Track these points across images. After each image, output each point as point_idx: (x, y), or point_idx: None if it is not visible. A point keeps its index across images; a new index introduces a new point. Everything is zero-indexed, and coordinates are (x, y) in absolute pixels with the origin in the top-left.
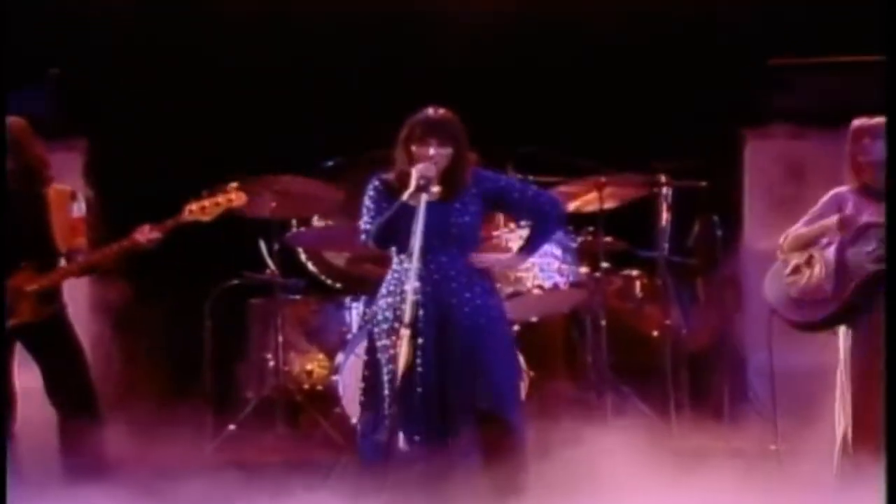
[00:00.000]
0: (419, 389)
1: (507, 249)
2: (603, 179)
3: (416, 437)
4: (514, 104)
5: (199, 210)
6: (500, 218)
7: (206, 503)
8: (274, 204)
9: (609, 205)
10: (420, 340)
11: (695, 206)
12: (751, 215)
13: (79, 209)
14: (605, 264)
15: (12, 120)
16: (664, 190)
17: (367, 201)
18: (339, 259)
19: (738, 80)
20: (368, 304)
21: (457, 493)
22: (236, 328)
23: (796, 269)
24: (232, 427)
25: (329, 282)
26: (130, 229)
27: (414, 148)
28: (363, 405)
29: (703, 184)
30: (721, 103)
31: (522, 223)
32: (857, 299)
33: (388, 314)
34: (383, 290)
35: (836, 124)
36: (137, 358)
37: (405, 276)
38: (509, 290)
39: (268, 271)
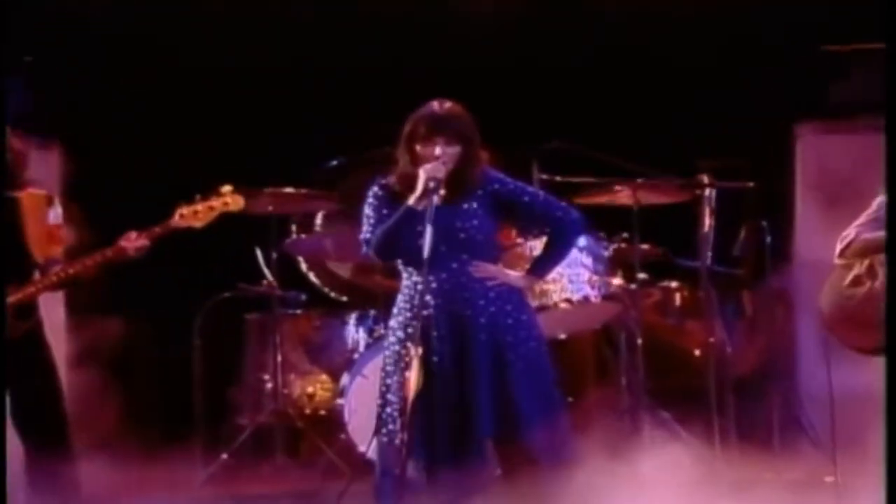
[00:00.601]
0: (434, 415)
1: (532, 259)
2: (639, 180)
3: (431, 469)
4: (540, 99)
5: (192, 215)
6: None
7: None
8: (271, 208)
9: (646, 208)
10: (435, 359)
11: (741, 209)
12: (804, 220)
13: (56, 216)
14: (641, 275)
15: None
16: (707, 192)
17: (367, 208)
18: (344, 269)
19: (790, 70)
20: (377, 320)
21: None
22: (230, 347)
23: (856, 281)
24: (225, 456)
25: (333, 295)
26: (113, 237)
27: (418, 147)
28: (379, 436)
29: (751, 185)
30: (770, 95)
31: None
32: None
33: (400, 334)
34: (395, 310)
35: None
36: (119, 381)
37: (415, 290)
38: (534, 303)
39: (265, 283)
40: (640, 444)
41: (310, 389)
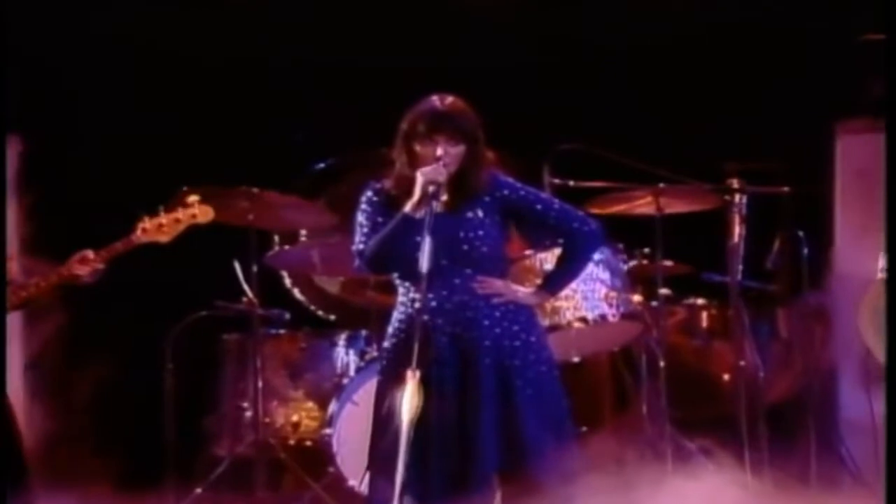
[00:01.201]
0: (433, 446)
1: (543, 273)
2: (661, 185)
3: None
4: (551, 97)
5: (156, 229)
6: None
7: None
8: (252, 216)
9: (669, 216)
10: (433, 385)
11: (775, 217)
12: (844, 228)
13: None
14: (664, 291)
15: None
16: (737, 198)
17: (359, 216)
18: (333, 285)
19: (829, 62)
20: (369, 341)
21: None
22: (205, 371)
23: None
24: (199, 491)
25: (320, 313)
26: (72, 251)
27: (417, 147)
28: (373, 470)
29: (785, 190)
30: (807, 90)
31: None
32: None
33: (395, 358)
34: (389, 329)
35: None
36: (82, 411)
37: (413, 308)
38: (545, 323)
39: (244, 300)
40: (663, 479)
41: (294, 418)
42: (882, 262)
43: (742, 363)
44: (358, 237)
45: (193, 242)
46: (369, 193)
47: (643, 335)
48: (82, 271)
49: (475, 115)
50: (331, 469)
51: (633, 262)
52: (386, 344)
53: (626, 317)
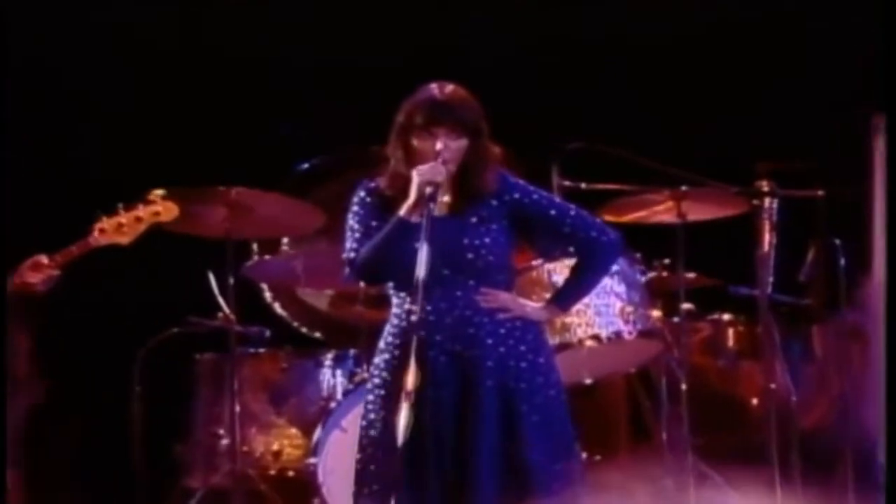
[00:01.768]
0: (427, 476)
1: (551, 286)
2: (684, 188)
3: None
4: (561, 91)
5: (115, 229)
6: None
7: None
8: (228, 222)
9: (692, 223)
10: (429, 409)
11: (809, 224)
12: (885, 237)
13: None
14: (686, 305)
15: None
16: (767, 202)
17: (351, 219)
18: (318, 299)
19: (865, 49)
20: (358, 361)
21: None
22: (176, 395)
23: None
24: None
25: (305, 330)
26: (24, 251)
27: (415, 141)
28: (359, 498)
29: (820, 193)
30: (842, 81)
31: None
32: None
33: (387, 375)
34: (381, 344)
35: None
36: (43, 438)
37: (408, 321)
38: (553, 341)
39: (220, 315)
40: None
41: (275, 446)
42: None
43: (772, 386)
44: (349, 243)
45: (162, 251)
46: (362, 194)
47: (663, 355)
48: (35, 279)
49: (479, 105)
50: (316, 501)
51: (651, 274)
52: (377, 360)
53: (643, 334)
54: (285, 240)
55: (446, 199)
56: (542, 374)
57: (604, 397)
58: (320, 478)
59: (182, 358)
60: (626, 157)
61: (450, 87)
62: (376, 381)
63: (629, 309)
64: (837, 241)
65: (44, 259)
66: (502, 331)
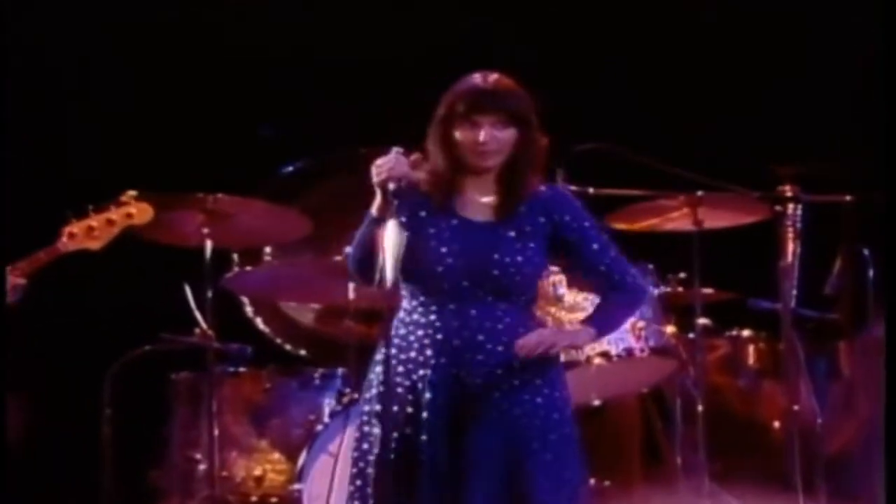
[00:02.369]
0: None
1: (556, 299)
2: (700, 194)
3: None
4: (568, 89)
5: (85, 233)
6: None
7: None
8: (206, 230)
9: (709, 231)
10: (423, 438)
11: (835, 232)
12: None
13: None
14: (702, 320)
15: None
16: (790, 208)
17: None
18: (304, 313)
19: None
20: (347, 381)
21: None
22: (150, 417)
23: None
24: None
25: (289, 347)
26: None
27: (457, 133)
28: None
29: (848, 198)
30: (869, 76)
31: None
32: None
33: (384, 389)
34: (378, 356)
35: None
36: (6, 465)
37: (422, 328)
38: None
39: (197, 331)
40: None
41: (257, 471)
42: None
43: (796, 407)
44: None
45: (134, 262)
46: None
47: (677, 374)
48: None
49: (527, 95)
50: None
51: (665, 287)
52: (372, 377)
53: (657, 352)
54: (268, 249)
55: (487, 200)
56: (559, 409)
57: (614, 420)
58: None
59: (156, 377)
60: (639, 160)
61: (495, 76)
62: (375, 391)
63: (641, 324)
64: (866, 251)
65: (7, 268)
66: (516, 363)
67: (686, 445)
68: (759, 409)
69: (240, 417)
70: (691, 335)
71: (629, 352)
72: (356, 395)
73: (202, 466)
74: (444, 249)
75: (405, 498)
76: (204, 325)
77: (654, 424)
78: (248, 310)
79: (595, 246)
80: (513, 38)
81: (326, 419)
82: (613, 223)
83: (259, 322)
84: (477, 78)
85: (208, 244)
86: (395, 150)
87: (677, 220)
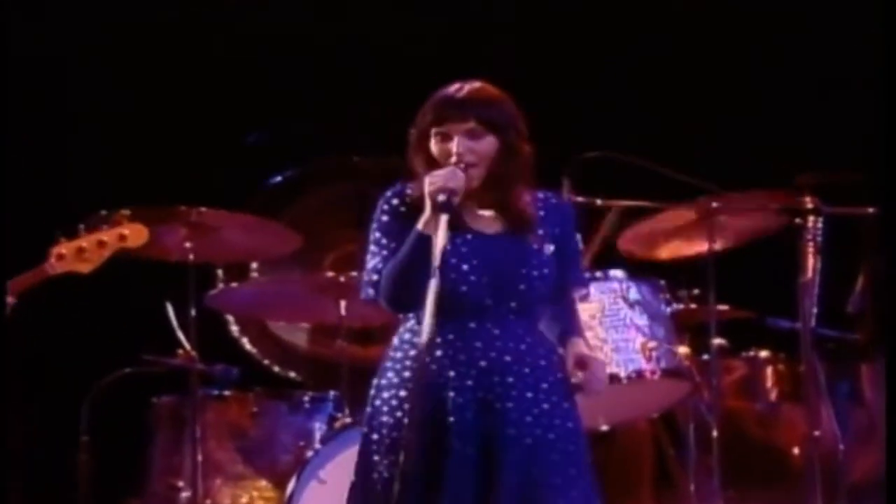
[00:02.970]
0: None
1: None
2: (714, 205)
3: None
4: (575, 94)
5: (75, 255)
6: None
7: None
8: (189, 244)
9: (724, 245)
10: (449, 463)
11: (858, 245)
12: None
13: None
14: (718, 341)
15: None
16: (811, 221)
17: (377, 229)
18: (293, 333)
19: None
20: (339, 404)
21: None
22: (130, 443)
23: None
24: None
25: (277, 369)
26: None
27: (432, 144)
28: None
29: (871, 210)
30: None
31: None
32: None
33: (400, 416)
34: (389, 377)
35: None
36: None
37: (441, 351)
38: None
39: (179, 352)
40: None
41: (243, 499)
42: None
43: (816, 433)
44: (373, 260)
45: (114, 278)
46: (394, 201)
47: (691, 397)
48: None
49: (510, 102)
50: None
51: (678, 304)
52: (379, 405)
53: (668, 374)
54: (255, 265)
55: (488, 213)
56: (573, 419)
57: (623, 446)
58: None
59: (136, 401)
60: (648, 168)
61: (472, 85)
62: (383, 418)
63: (652, 344)
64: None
65: None
66: (527, 369)
67: (700, 473)
68: (778, 434)
69: (225, 443)
70: (705, 356)
71: (639, 374)
72: (349, 420)
73: (185, 495)
74: (465, 267)
75: None
76: (187, 346)
77: (666, 451)
78: (234, 329)
79: (574, 263)
80: (512, 39)
81: (317, 445)
82: (627, 248)
83: (245, 342)
84: (450, 88)
85: (191, 259)
86: (453, 163)
87: (691, 237)
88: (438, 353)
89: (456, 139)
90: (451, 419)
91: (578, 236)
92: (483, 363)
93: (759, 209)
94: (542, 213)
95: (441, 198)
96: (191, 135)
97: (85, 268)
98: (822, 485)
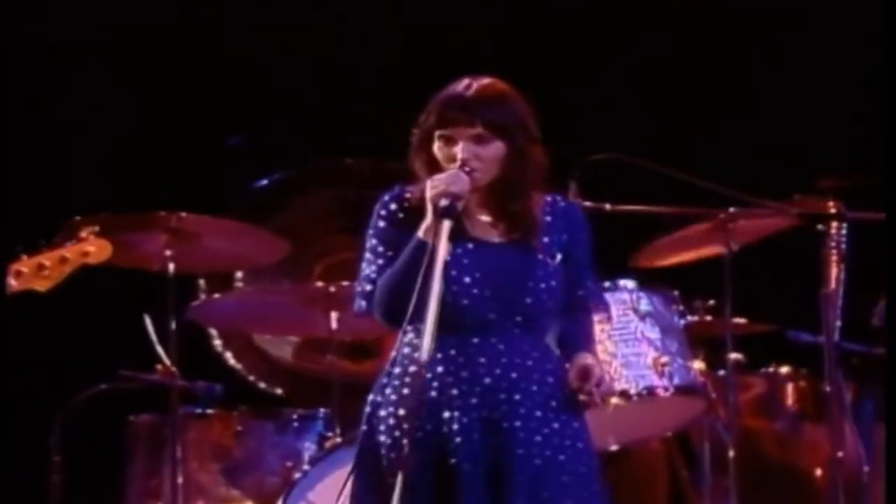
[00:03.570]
0: None
1: None
2: (731, 210)
3: None
4: (582, 94)
5: (35, 272)
6: None
7: None
8: (169, 252)
9: (742, 253)
10: (455, 484)
11: (884, 254)
12: None
13: None
14: (735, 356)
15: None
16: (834, 228)
17: (373, 236)
18: (280, 347)
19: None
20: (329, 423)
21: None
22: (105, 464)
23: None
24: None
25: (263, 385)
26: None
27: (435, 146)
28: None
29: None
30: None
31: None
32: None
33: (398, 436)
34: (386, 394)
35: None
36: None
37: (443, 369)
38: None
39: (159, 368)
40: None
41: None
42: None
43: (840, 454)
44: (367, 268)
45: (89, 288)
46: (392, 206)
47: (706, 416)
48: None
49: (522, 103)
50: None
51: (693, 317)
52: (381, 413)
53: (682, 391)
54: (239, 274)
55: (491, 219)
56: (583, 439)
57: (635, 467)
58: None
59: (112, 420)
60: (661, 172)
61: (482, 81)
62: (382, 437)
63: (665, 359)
64: None
65: None
66: (554, 403)
67: (715, 496)
68: (799, 455)
69: (208, 464)
70: (722, 372)
71: (651, 390)
72: (340, 440)
73: None
74: (467, 279)
75: None
76: (167, 361)
77: (680, 473)
78: (217, 343)
79: (586, 270)
80: (513, 41)
81: (306, 466)
82: (639, 262)
83: (229, 357)
84: (458, 85)
85: (171, 268)
86: (458, 167)
87: (706, 244)
88: (440, 369)
89: (461, 144)
90: (458, 440)
91: (589, 243)
92: (487, 380)
93: (778, 213)
94: (548, 218)
95: (444, 203)
96: (170, 136)
97: (44, 285)
98: None
